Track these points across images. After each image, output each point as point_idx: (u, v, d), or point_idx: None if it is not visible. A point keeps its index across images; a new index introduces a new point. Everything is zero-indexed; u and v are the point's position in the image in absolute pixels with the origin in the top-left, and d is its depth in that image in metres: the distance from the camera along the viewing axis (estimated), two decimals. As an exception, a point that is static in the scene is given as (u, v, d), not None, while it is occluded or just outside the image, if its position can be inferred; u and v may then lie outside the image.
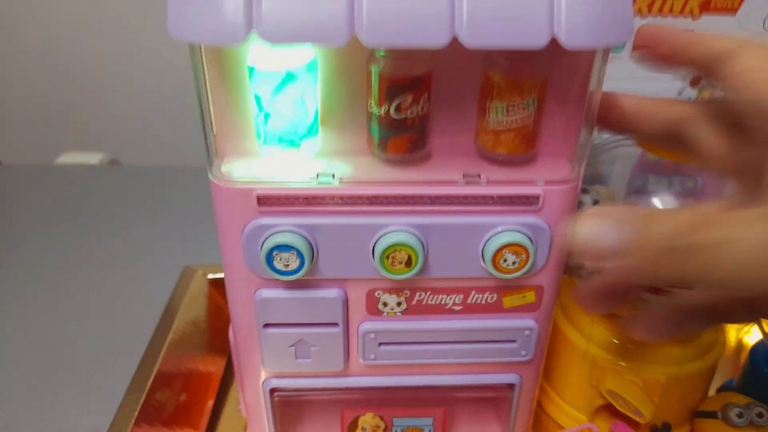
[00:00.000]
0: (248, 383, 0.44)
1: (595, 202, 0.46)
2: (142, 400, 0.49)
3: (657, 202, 0.46)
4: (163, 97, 0.97)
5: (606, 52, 0.34)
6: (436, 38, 0.30)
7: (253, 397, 0.44)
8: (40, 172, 0.95)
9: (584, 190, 0.46)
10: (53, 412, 0.56)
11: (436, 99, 0.37)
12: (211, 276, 0.63)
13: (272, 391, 0.43)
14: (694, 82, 0.56)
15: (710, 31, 0.53)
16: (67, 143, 1.02)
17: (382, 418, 0.44)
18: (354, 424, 0.44)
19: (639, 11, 0.52)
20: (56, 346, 0.63)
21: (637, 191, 0.49)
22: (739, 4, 0.52)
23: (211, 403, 0.55)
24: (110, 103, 1.00)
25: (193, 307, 0.60)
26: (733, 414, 0.45)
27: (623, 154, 0.50)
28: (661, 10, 0.52)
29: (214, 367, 0.59)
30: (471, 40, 0.30)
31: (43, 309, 0.69)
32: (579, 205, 0.46)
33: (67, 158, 0.99)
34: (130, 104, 1.00)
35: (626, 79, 0.55)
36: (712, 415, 0.46)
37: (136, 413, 0.47)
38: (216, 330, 0.60)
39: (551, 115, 0.38)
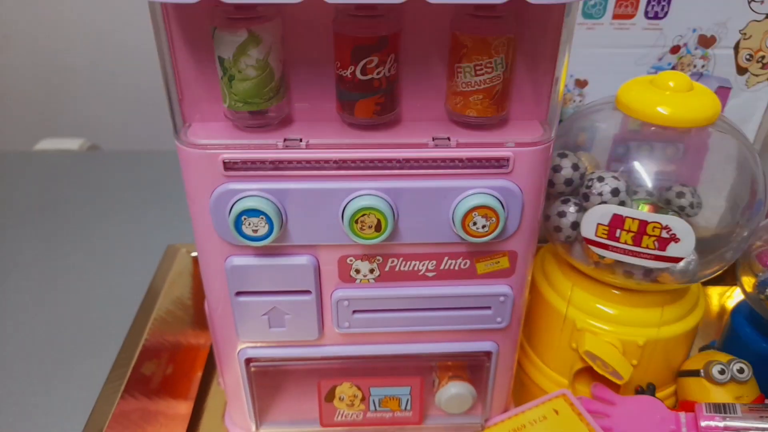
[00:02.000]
0: (224, 354, 0.44)
1: (574, 166, 0.45)
2: (128, 374, 0.49)
3: (639, 167, 0.45)
4: (142, 82, 0.96)
5: (572, 12, 0.33)
6: (397, -7, 0.29)
7: (230, 367, 0.44)
8: (20, 159, 0.95)
9: (563, 155, 0.46)
10: (42, 388, 0.56)
11: (404, 61, 0.36)
12: (194, 254, 0.63)
13: (248, 361, 0.43)
14: (673, 50, 0.55)
15: (689, 9, 0.52)
16: (46, 129, 1.01)
17: (359, 388, 0.44)
18: (331, 393, 0.44)
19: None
20: (44, 327, 0.63)
21: (620, 158, 0.48)
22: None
23: (199, 374, 0.55)
24: (89, 89, 0.99)
25: (178, 284, 0.60)
26: (715, 371, 0.45)
27: (604, 123, 0.49)
28: (641, -24, 0.51)
29: (203, 339, 0.59)
30: (433, -6, 0.29)
31: (29, 292, 0.68)
32: (557, 169, 0.46)
33: (47, 144, 0.98)
34: (109, 89, 0.99)
35: (607, 46, 0.55)
36: (694, 373, 0.47)
37: (123, 386, 0.47)
38: (202, 305, 0.60)
39: (521, 77, 0.37)
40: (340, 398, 0.44)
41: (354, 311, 0.41)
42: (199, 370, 0.55)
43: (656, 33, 0.54)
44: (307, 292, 0.40)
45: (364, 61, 0.34)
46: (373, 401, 0.44)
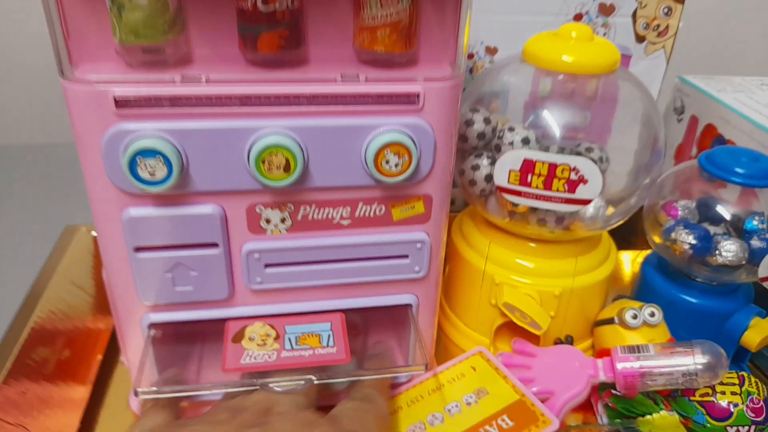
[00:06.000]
0: (125, 322, 0.40)
1: (486, 120, 0.45)
2: (13, 357, 0.44)
3: (549, 119, 0.46)
4: (34, 75, 0.91)
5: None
6: None
7: (133, 337, 0.41)
8: None
9: (474, 109, 0.46)
10: None
11: (309, -3, 0.35)
12: (96, 233, 0.58)
13: (152, 327, 0.40)
14: (576, 18, 0.57)
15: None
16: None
17: (272, 326, 0.41)
18: (240, 333, 0.40)
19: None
20: None
21: (533, 125, 0.49)
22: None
23: (99, 357, 0.51)
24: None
25: (78, 265, 0.56)
26: (628, 316, 0.46)
27: (514, 77, 0.50)
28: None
29: (103, 324, 0.54)
30: None
31: None
32: (470, 124, 0.46)
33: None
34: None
35: (513, 12, 0.56)
36: (609, 321, 0.47)
37: (6, 371, 0.43)
38: (103, 285, 0.56)
39: (427, 15, 0.37)
40: (250, 338, 0.40)
41: (266, 265, 0.39)
42: (99, 353, 0.50)
43: (560, 0, 0.56)
44: (214, 245, 0.38)
45: (264, -11, 0.33)
46: (289, 339, 0.40)
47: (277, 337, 0.39)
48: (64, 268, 0.53)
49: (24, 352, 0.45)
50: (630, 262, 0.68)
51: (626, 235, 0.55)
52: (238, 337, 0.39)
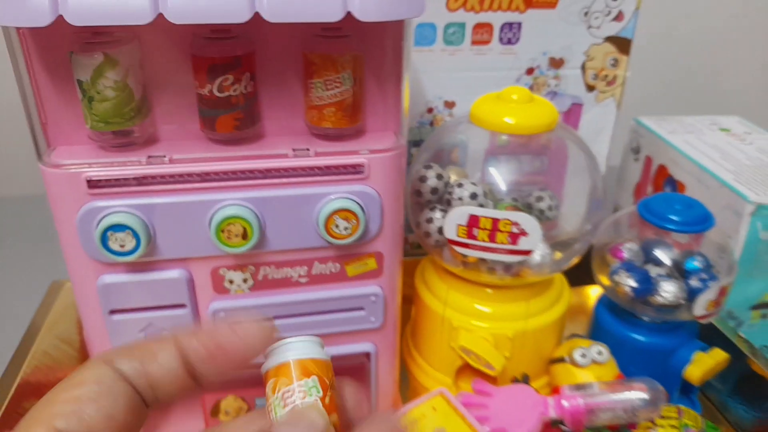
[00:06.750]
0: (105, 377, 0.44)
1: (438, 176, 0.49)
2: (1, 411, 0.47)
3: (496, 174, 0.50)
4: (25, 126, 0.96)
5: (409, 34, 0.38)
6: (238, 14, 0.32)
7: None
8: None
9: (428, 166, 0.50)
10: None
11: (262, 80, 0.39)
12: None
13: (129, 382, 0.43)
14: (528, 72, 0.61)
15: (536, 24, 0.59)
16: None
17: (244, 400, 0.45)
18: (216, 408, 0.45)
19: (472, 8, 0.57)
20: None
21: (484, 179, 0.52)
22: (557, -3, 0.58)
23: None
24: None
25: (63, 320, 0.59)
26: (577, 355, 0.49)
27: (464, 136, 0.54)
28: (491, 6, 0.57)
29: (88, 378, 0.58)
30: (272, 15, 0.32)
31: None
32: (424, 180, 0.49)
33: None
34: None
35: (469, 69, 0.60)
36: (561, 360, 0.50)
37: (-6, 424, 0.46)
38: (88, 340, 0.59)
39: (372, 92, 0.41)
40: (225, 413, 0.45)
41: (232, 322, 0.42)
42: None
43: (511, 57, 0.60)
44: (182, 305, 0.41)
45: (219, 80, 0.37)
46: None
47: (248, 411, 0.42)
48: (50, 324, 0.56)
49: (11, 406, 0.48)
50: (596, 295, 0.71)
51: (587, 272, 0.58)
52: (215, 411, 0.42)
